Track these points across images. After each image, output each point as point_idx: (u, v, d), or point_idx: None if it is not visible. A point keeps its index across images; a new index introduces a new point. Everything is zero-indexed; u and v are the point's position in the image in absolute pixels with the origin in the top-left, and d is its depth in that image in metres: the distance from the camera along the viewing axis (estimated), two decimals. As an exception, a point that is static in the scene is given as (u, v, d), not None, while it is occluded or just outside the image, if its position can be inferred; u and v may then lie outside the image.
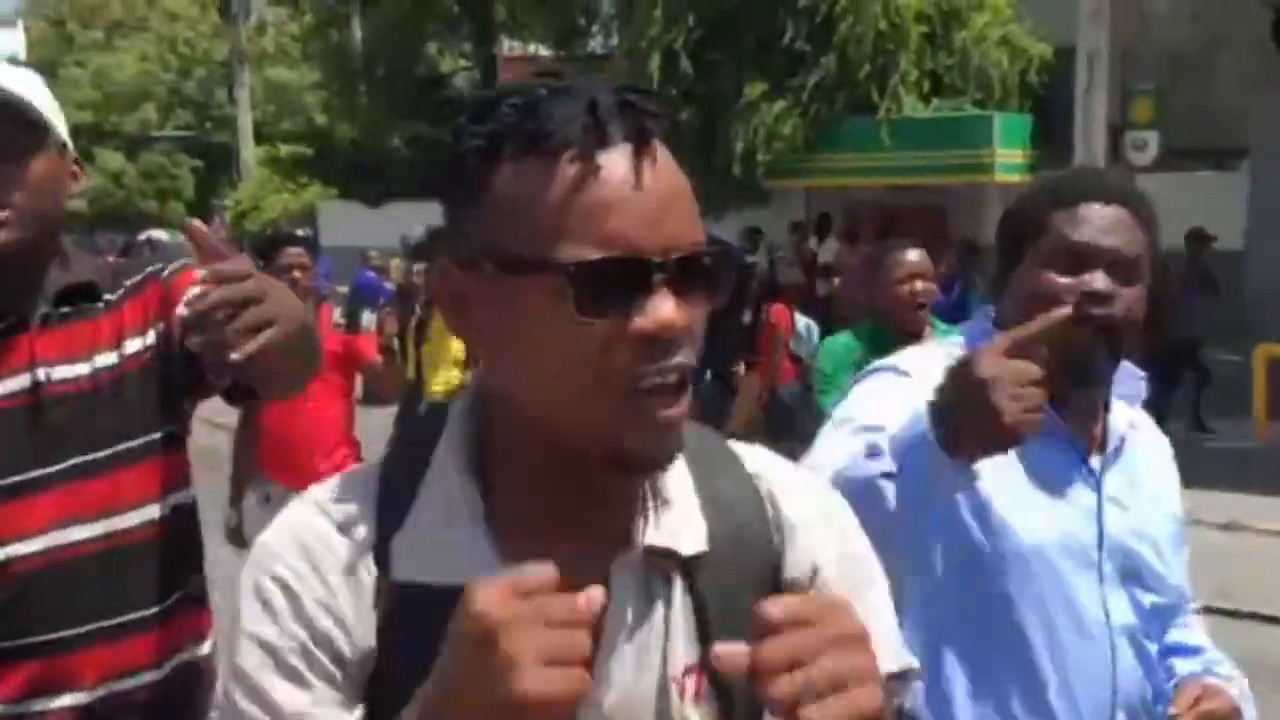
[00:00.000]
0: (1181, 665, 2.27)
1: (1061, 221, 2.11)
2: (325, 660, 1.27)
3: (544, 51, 29.61)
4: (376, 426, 6.76)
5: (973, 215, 17.72)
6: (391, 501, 1.31)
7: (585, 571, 1.17)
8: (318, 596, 1.28)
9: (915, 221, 16.43)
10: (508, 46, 32.24)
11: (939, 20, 19.28)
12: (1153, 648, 2.21)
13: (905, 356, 2.25)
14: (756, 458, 1.43)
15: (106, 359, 2.33)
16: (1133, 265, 2.10)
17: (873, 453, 1.92)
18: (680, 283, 1.20)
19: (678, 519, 1.32)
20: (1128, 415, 2.25)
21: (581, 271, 1.17)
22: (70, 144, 2.36)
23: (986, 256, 16.76)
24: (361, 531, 1.30)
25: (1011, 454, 1.95)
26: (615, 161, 1.19)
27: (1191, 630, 2.33)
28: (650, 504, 1.32)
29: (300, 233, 6.84)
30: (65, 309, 2.34)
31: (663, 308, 1.18)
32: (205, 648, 2.49)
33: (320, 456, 5.97)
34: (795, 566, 1.37)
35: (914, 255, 5.12)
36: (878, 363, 2.28)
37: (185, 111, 45.95)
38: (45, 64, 45.27)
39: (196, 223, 2.17)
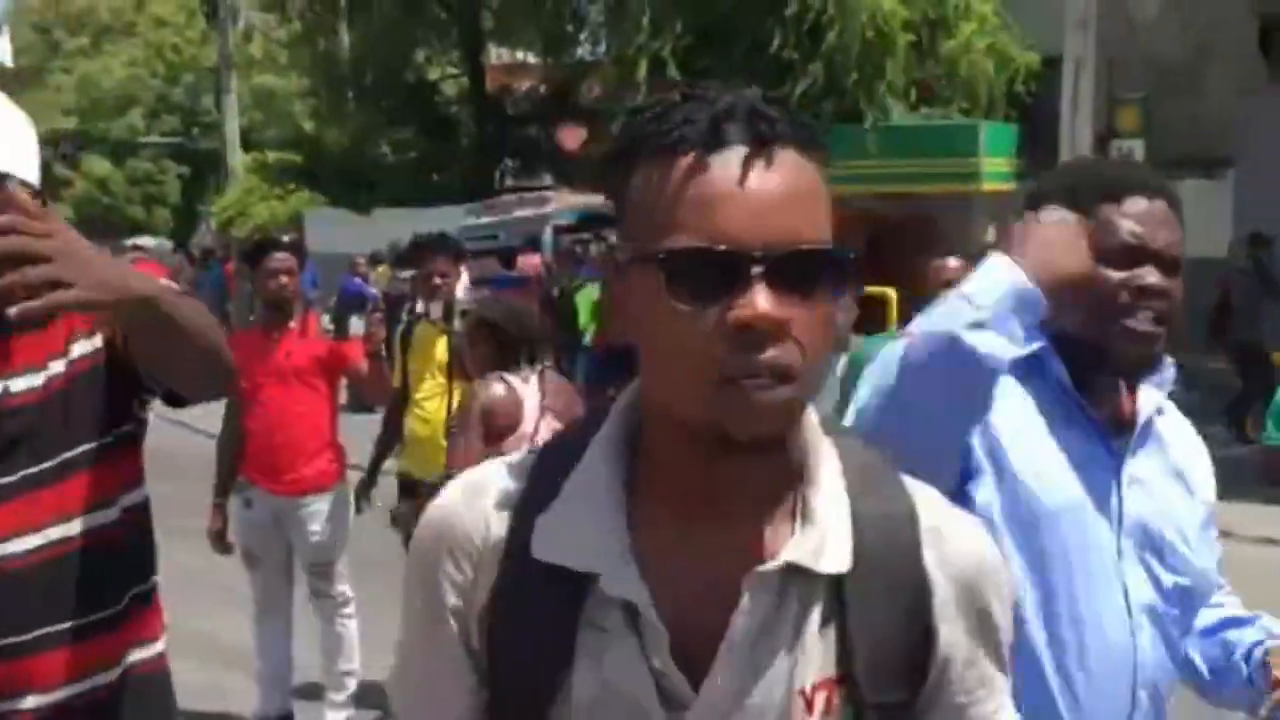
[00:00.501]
0: (1240, 635, 2.31)
1: (1112, 214, 2.12)
2: (456, 634, 1.40)
3: (532, 59, 29.61)
4: (362, 432, 6.76)
5: (959, 223, 17.72)
6: (541, 486, 1.38)
7: (719, 579, 1.31)
8: (455, 580, 1.39)
9: (903, 229, 16.45)
10: (495, 54, 32.23)
11: (926, 29, 19.32)
12: (1174, 631, 2.21)
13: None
14: (921, 489, 1.43)
15: (57, 366, 2.33)
16: (1178, 258, 2.14)
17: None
18: (781, 279, 1.24)
19: (823, 535, 1.33)
20: (1155, 400, 2.26)
21: (674, 259, 1.24)
22: (36, 180, 2.32)
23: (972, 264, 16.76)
24: (506, 515, 1.38)
25: (1038, 431, 2.08)
26: (728, 162, 1.25)
27: (1232, 606, 2.37)
28: (797, 517, 1.34)
29: (287, 238, 6.82)
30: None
31: (757, 300, 1.22)
32: (158, 647, 2.50)
33: (304, 461, 5.95)
34: (945, 607, 1.38)
35: (953, 263, 5.58)
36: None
37: (172, 118, 45.85)
38: (31, 70, 45.20)
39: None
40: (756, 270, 1.23)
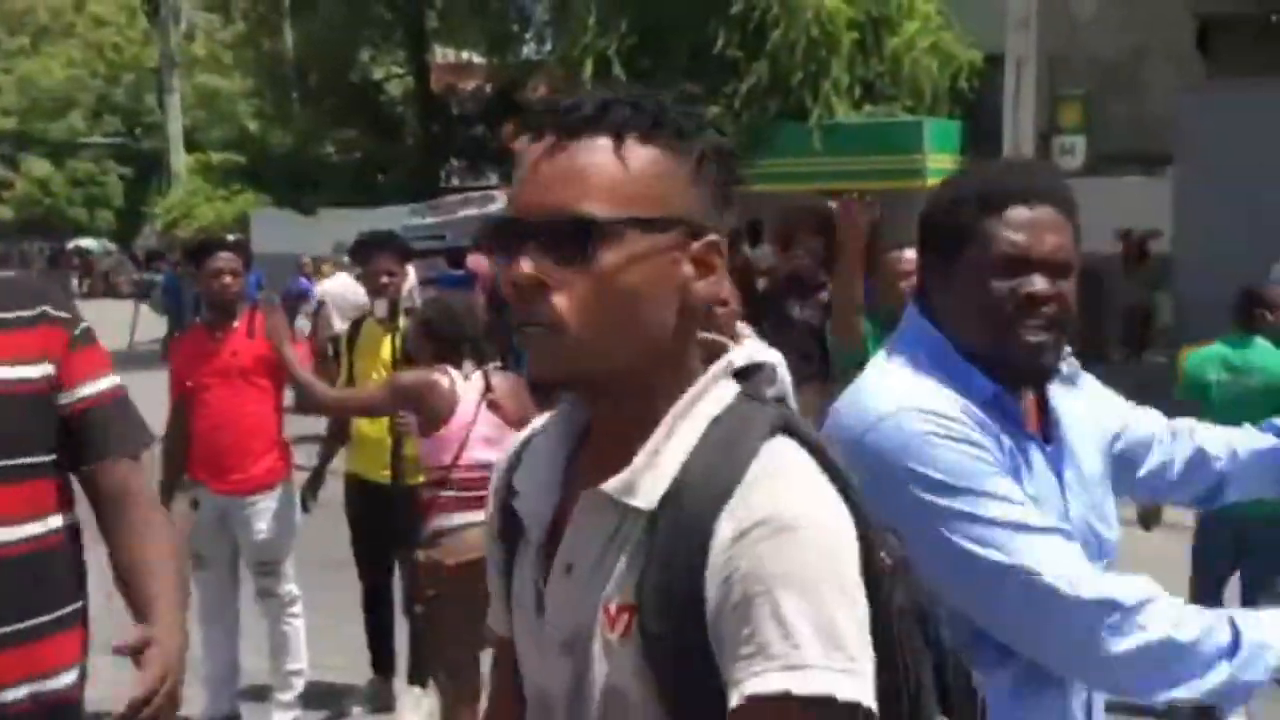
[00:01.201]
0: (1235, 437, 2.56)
1: (993, 227, 2.13)
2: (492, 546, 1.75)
3: (477, 59, 29.55)
4: (307, 431, 6.74)
5: (905, 219, 17.80)
6: (525, 446, 1.71)
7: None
8: (491, 508, 1.76)
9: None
10: (441, 53, 32.15)
11: (870, 27, 19.40)
12: None
13: (921, 402, 2.12)
14: (780, 461, 1.48)
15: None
16: (1066, 262, 2.15)
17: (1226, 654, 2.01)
18: (545, 245, 1.46)
19: (641, 474, 1.50)
20: (1056, 391, 2.30)
21: (489, 226, 1.56)
22: None
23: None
24: (513, 454, 1.73)
25: (1013, 474, 2.10)
26: (541, 145, 1.49)
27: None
28: (637, 461, 1.50)
29: (232, 238, 6.78)
30: None
31: (520, 263, 1.46)
32: (71, 676, 2.48)
33: (251, 460, 5.93)
34: (717, 556, 1.42)
35: (909, 254, 5.63)
36: (910, 416, 2.09)
37: (114, 118, 45.49)
38: (-30, 70, 44.72)
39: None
40: (522, 238, 1.47)
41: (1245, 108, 13.92)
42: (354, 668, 6.61)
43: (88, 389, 2.49)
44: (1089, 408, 2.37)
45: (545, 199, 1.46)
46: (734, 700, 1.36)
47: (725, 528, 1.42)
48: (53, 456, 2.43)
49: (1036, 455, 2.18)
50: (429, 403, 5.21)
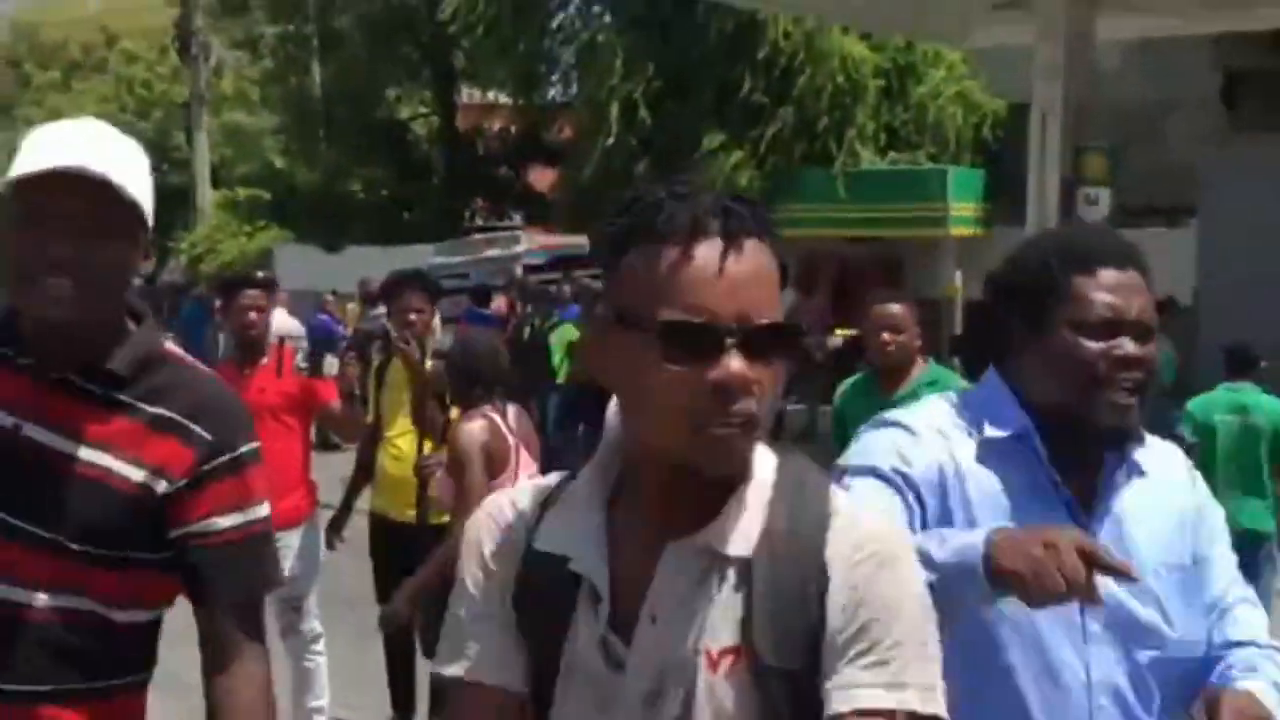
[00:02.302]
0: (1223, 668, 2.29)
1: (1086, 288, 2.18)
2: (498, 600, 1.73)
3: (503, 99, 29.70)
4: (331, 471, 6.77)
5: (927, 267, 17.85)
6: (550, 499, 1.76)
7: (654, 559, 1.64)
8: (480, 567, 1.75)
9: (871, 273, 16.54)
10: (467, 94, 32.32)
11: (895, 75, 19.48)
12: (1145, 707, 2.20)
13: (915, 415, 2.31)
14: (845, 497, 1.74)
15: (92, 454, 2.28)
16: (1152, 325, 2.20)
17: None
18: (750, 347, 1.56)
19: (736, 525, 1.64)
20: (1141, 461, 2.28)
21: (670, 329, 1.56)
22: (150, 220, 2.27)
23: (939, 308, 16.87)
24: (527, 515, 1.75)
25: (1008, 519, 2.11)
26: (706, 250, 1.57)
27: (1240, 624, 2.31)
28: (725, 514, 1.64)
29: (261, 274, 6.83)
30: (89, 385, 2.29)
31: (732, 364, 1.55)
32: None
33: (276, 497, 5.92)
34: (838, 591, 1.61)
35: (895, 309, 5.71)
36: (888, 415, 2.34)
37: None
38: (1, 104, 45.05)
39: None
40: (730, 340, 1.56)
41: (1268, 160, 13.94)
42: (375, 706, 6.62)
43: (204, 525, 2.32)
44: (1193, 516, 2.31)
45: (742, 304, 1.57)
46: (841, 708, 1.57)
47: (837, 562, 1.61)
48: (161, 555, 2.33)
49: (1053, 504, 2.19)
50: (503, 455, 5.18)
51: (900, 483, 2.18)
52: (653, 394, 1.58)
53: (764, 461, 1.69)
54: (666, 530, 1.64)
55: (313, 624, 6.14)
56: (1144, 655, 2.19)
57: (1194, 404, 8.03)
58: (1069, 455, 2.21)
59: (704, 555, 1.63)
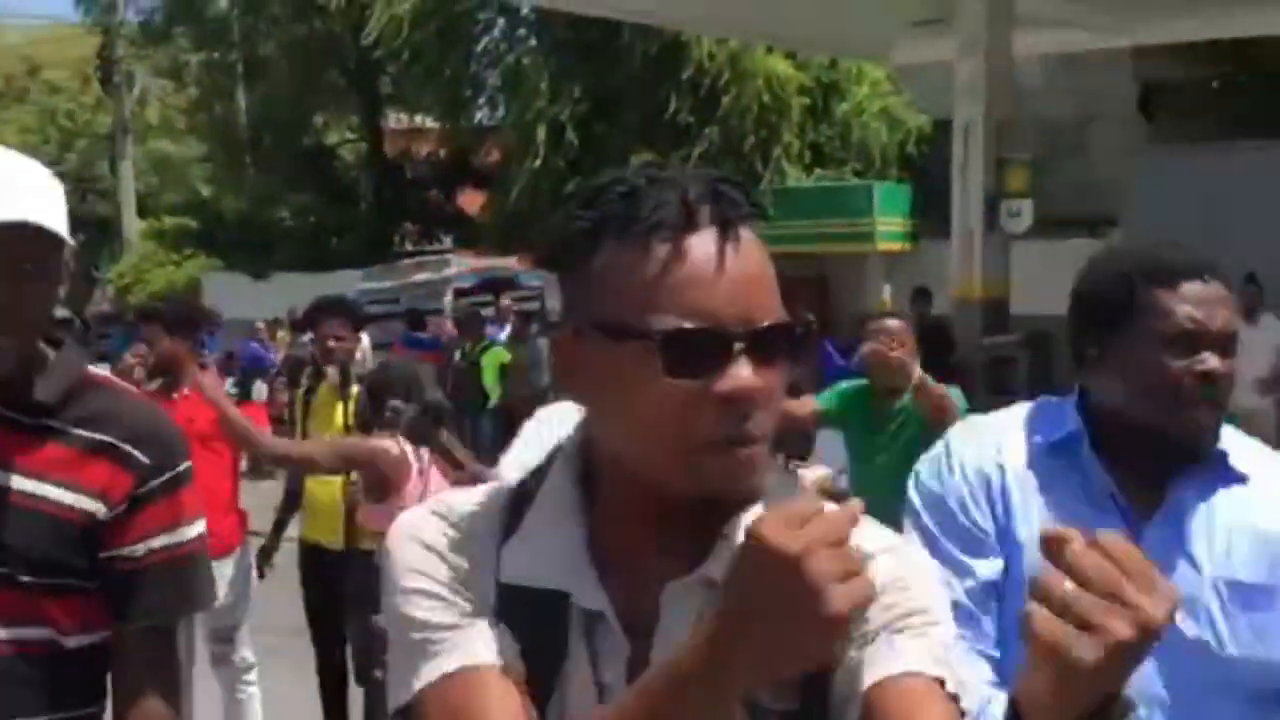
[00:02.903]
0: None
1: (1167, 301, 2.13)
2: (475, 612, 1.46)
3: (430, 123, 29.68)
4: (261, 498, 6.73)
5: (855, 282, 18.00)
6: (513, 518, 1.49)
7: (650, 597, 1.42)
8: (425, 590, 1.46)
9: (799, 289, 16.64)
10: (394, 118, 32.28)
11: (820, 93, 19.66)
12: None
13: (977, 429, 2.34)
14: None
15: (29, 484, 2.24)
16: (1233, 337, 2.16)
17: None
18: (757, 352, 1.36)
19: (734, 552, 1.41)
20: (1243, 469, 2.23)
21: (669, 339, 1.33)
22: (69, 244, 2.21)
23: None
24: (484, 540, 1.48)
25: (1052, 514, 2.12)
26: (702, 244, 1.35)
27: None
28: (724, 541, 1.42)
29: (160, 305, 6.77)
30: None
31: (741, 373, 1.34)
32: None
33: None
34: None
35: (891, 324, 5.79)
36: (953, 437, 2.33)
37: (66, 183, 45.09)
38: (-79, 136, 44.48)
39: None
40: (738, 346, 1.34)
41: (1187, 171, 14.17)
42: (308, 735, 6.58)
43: (134, 548, 2.27)
44: (1243, 531, 2.23)
45: (745, 304, 1.36)
46: (895, 669, 1.38)
47: None
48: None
49: (1107, 509, 2.16)
50: (376, 470, 5.27)
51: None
52: (646, 413, 1.36)
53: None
54: (658, 559, 1.44)
55: (245, 654, 6.09)
56: (1189, 672, 2.14)
57: None
58: (1131, 464, 2.19)
59: (708, 589, 1.41)
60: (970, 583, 2.17)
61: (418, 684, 1.44)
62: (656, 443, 1.37)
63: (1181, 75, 16.53)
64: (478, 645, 1.43)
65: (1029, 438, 2.25)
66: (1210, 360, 2.12)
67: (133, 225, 32.25)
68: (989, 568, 2.18)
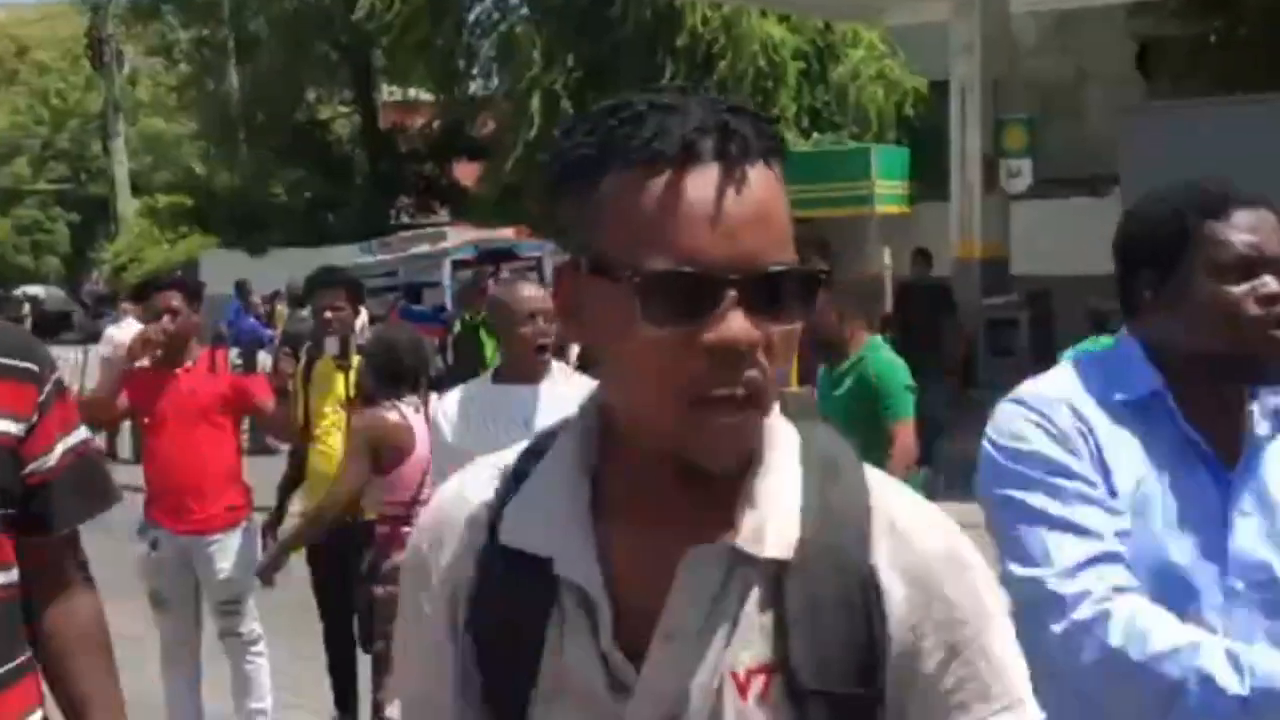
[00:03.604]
0: None
1: (1221, 231, 2.13)
2: (447, 626, 1.44)
3: (424, 96, 29.59)
4: (263, 474, 6.69)
5: (855, 246, 17.95)
6: (515, 479, 1.42)
7: (670, 564, 1.31)
8: (440, 564, 1.44)
9: (800, 253, 16.58)
10: (387, 92, 32.19)
11: (815, 57, 19.58)
12: None
13: (1038, 393, 2.24)
14: (887, 484, 1.41)
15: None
16: None
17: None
18: (755, 300, 1.25)
19: (768, 522, 1.33)
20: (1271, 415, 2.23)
21: (650, 281, 1.23)
22: None
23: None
24: (485, 506, 1.43)
25: (1148, 481, 2.10)
26: (701, 180, 1.25)
27: None
28: (746, 504, 1.33)
29: (179, 274, 6.72)
30: None
31: (732, 323, 1.23)
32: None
33: (210, 499, 5.88)
34: (898, 606, 1.34)
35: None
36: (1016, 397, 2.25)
37: (59, 164, 45.21)
38: (-88, 119, 44.37)
39: None
40: (730, 293, 1.23)
41: (1185, 127, 14.10)
42: (317, 706, 6.56)
43: (46, 457, 2.34)
44: None
45: (744, 247, 1.25)
46: None
47: (891, 573, 1.34)
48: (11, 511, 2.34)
49: (1193, 463, 2.15)
50: (388, 443, 5.26)
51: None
52: (634, 361, 1.27)
53: (784, 440, 1.38)
54: (667, 525, 1.34)
55: (252, 626, 6.07)
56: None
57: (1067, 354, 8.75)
58: (1207, 411, 2.17)
59: (728, 559, 1.32)
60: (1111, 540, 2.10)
61: (389, 711, 1.54)
62: (640, 395, 1.29)
63: (1177, 31, 16.45)
64: (430, 705, 1.47)
65: (1105, 398, 2.19)
66: (1271, 283, 2.11)
67: (127, 204, 32.16)
68: (1118, 523, 2.11)
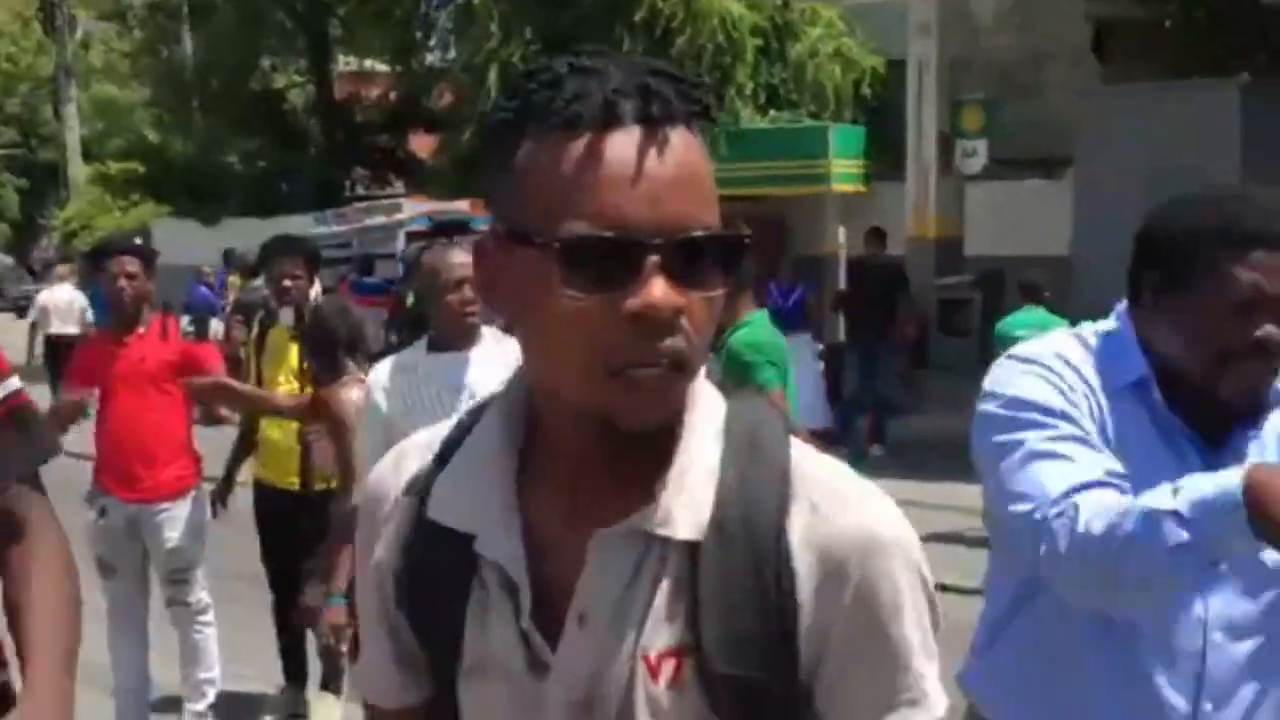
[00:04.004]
0: None
1: (1234, 267, 2.11)
2: (381, 599, 1.45)
3: (380, 67, 29.38)
4: (212, 445, 6.64)
5: (811, 224, 17.98)
6: (444, 454, 1.41)
7: (583, 543, 1.30)
8: (374, 538, 1.45)
9: (755, 231, 16.60)
10: (343, 62, 31.95)
11: (773, 34, 19.55)
12: (1268, 644, 2.20)
13: (1049, 352, 2.26)
14: (814, 459, 1.37)
15: None
16: None
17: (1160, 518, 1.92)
18: (678, 266, 1.22)
19: (681, 502, 1.30)
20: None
21: (568, 246, 1.20)
22: None
23: (823, 265, 17.01)
24: (418, 478, 1.42)
25: (1137, 454, 2.12)
26: (622, 142, 1.22)
27: None
28: (662, 483, 1.30)
29: (138, 240, 6.63)
30: None
31: (654, 289, 1.20)
32: None
33: (159, 467, 5.84)
34: (811, 585, 1.30)
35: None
36: (1028, 353, 2.27)
37: (9, 129, 44.71)
38: None
39: None
40: (652, 259, 1.21)
41: (1141, 110, 14.18)
42: (266, 676, 6.54)
43: None
44: None
45: (666, 211, 1.22)
46: None
47: (805, 552, 1.30)
48: None
49: (1179, 443, 2.18)
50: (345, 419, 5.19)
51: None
52: (554, 329, 1.24)
53: (709, 411, 1.35)
54: (589, 503, 1.32)
55: (200, 595, 6.04)
56: (1269, 597, 2.18)
57: (999, 325, 10.28)
58: (1193, 398, 2.19)
59: (641, 538, 1.30)
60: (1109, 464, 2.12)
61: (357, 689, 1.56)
62: (561, 365, 1.25)
63: (1134, 14, 16.51)
64: (382, 679, 1.50)
65: (1106, 376, 2.22)
66: (1267, 328, 2.10)
67: (79, 171, 31.80)
68: (1115, 465, 2.12)
